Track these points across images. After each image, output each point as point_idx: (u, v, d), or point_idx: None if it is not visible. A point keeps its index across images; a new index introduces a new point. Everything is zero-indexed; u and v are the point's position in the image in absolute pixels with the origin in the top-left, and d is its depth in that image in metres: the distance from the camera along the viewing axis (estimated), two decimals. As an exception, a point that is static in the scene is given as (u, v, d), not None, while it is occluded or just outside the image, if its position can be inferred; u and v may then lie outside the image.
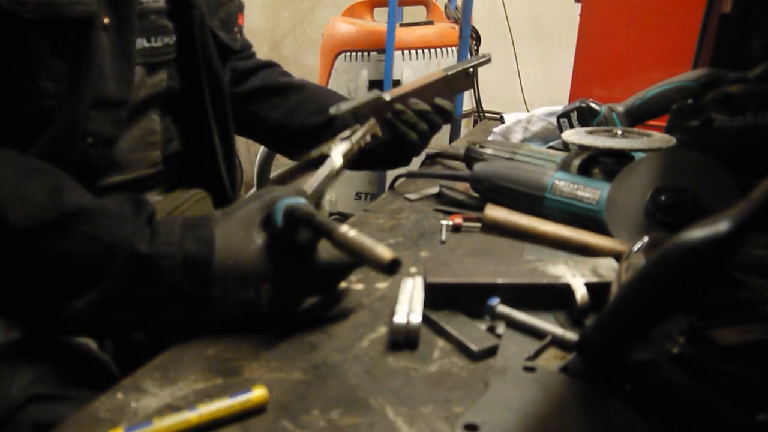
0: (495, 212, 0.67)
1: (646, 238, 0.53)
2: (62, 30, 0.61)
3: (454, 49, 2.12)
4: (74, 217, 0.51)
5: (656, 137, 0.78)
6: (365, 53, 2.03)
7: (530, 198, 0.75)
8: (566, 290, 0.55)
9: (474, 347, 0.50)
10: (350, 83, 2.07)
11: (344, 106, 0.83)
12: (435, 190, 0.88)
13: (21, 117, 0.62)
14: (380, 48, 1.99)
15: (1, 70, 0.60)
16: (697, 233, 0.35)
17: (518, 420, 0.41)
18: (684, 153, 0.70)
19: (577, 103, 1.01)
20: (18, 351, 0.58)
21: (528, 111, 1.25)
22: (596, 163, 0.80)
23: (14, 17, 0.58)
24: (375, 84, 2.02)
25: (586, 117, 1.00)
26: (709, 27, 1.00)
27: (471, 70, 1.03)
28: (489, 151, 0.91)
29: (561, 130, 1.02)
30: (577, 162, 0.80)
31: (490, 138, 1.13)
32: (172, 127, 0.82)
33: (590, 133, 0.81)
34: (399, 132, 0.89)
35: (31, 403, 0.54)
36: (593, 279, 0.56)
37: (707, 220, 0.35)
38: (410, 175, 0.95)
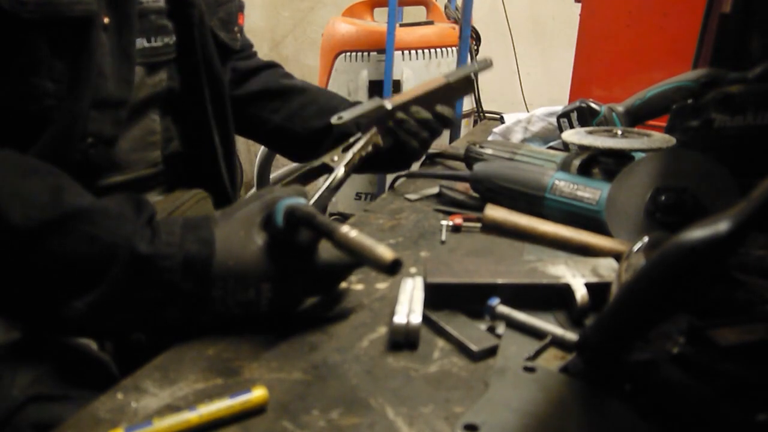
0: (495, 212, 0.67)
1: (646, 238, 0.53)
2: (62, 30, 0.61)
3: (454, 49, 2.12)
4: (74, 217, 0.51)
5: (656, 137, 0.78)
6: (365, 53, 2.03)
7: (530, 198, 0.75)
8: (566, 290, 0.55)
9: (474, 347, 0.50)
10: (350, 83, 2.06)
11: (346, 116, 0.84)
12: (435, 190, 0.88)
13: (21, 117, 0.62)
14: (380, 48, 1.99)
15: (1, 70, 0.60)
16: (697, 233, 0.35)
17: (518, 420, 0.41)
18: (684, 153, 0.70)
19: (577, 103, 1.01)
20: (18, 351, 0.58)
21: (528, 111, 1.25)
22: (596, 163, 0.80)
23: (14, 17, 0.58)
24: (375, 84, 2.02)
25: (586, 117, 1.00)
26: (709, 27, 1.00)
27: (472, 75, 1.03)
28: (489, 151, 0.91)
29: (561, 130, 1.02)
30: (577, 162, 0.80)
31: (490, 138, 1.13)
32: (172, 127, 0.82)
33: (590, 133, 0.81)
34: (400, 140, 0.89)
35: (31, 403, 0.54)
36: (593, 279, 0.56)
37: (707, 220, 0.35)
38: (410, 175, 0.95)
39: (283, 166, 2.17)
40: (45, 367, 0.57)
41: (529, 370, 0.46)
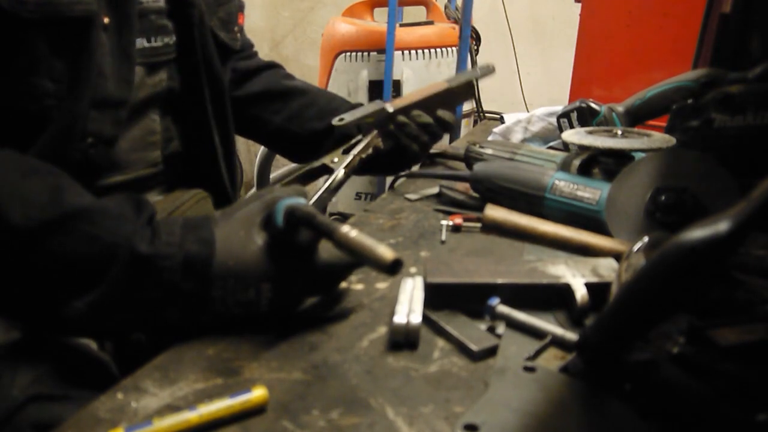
0: (495, 212, 0.67)
1: (646, 238, 0.53)
2: (62, 29, 0.61)
3: (454, 49, 2.12)
4: (74, 217, 0.51)
5: (656, 137, 0.78)
6: (365, 53, 2.03)
7: (530, 198, 0.75)
8: (566, 290, 0.55)
9: (474, 347, 0.50)
10: (350, 83, 2.06)
11: (348, 118, 0.84)
12: (435, 190, 0.88)
13: (21, 116, 0.62)
14: (380, 48, 1.99)
15: (1, 70, 0.60)
16: (697, 233, 0.35)
17: (518, 420, 0.41)
18: (684, 153, 0.70)
19: (577, 103, 1.01)
20: (18, 351, 0.58)
21: (528, 111, 1.25)
22: (596, 163, 0.80)
23: (14, 17, 0.58)
24: (375, 84, 2.02)
25: (586, 117, 1.00)
26: (709, 27, 1.00)
27: (474, 81, 1.04)
28: (489, 151, 0.91)
29: (561, 130, 1.02)
30: (577, 162, 0.80)
31: (490, 138, 1.13)
32: (172, 127, 0.82)
33: (590, 133, 0.81)
34: (400, 143, 0.90)
35: (31, 403, 0.54)
36: (593, 279, 0.56)
37: (707, 220, 0.35)
38: (410, 175, 0.95)
39: (283, 166, 2.17)
40: (45, 367, 0.57)
41: (529, 370, 0.46)
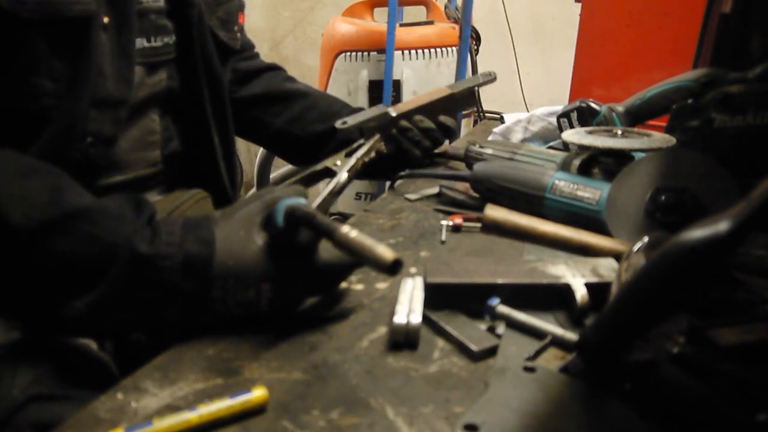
0: (495, 212, 0.67)
1: (646, 238, 0.53)
2: (61, 29, 0.61)
3: (454, 49, 2.12)
4: (74, 217, 0.51)
5: (656, 137, 0.78)
6: (365, 53, 2.03)
7: (530, 198, 0.75)
8: (566, 290, 0.55)
9: (474, 347, 0.50)
10: (350, 83, 2.06)
11: (351, 121, 0.84)
12: (435, 190, 0.88)
13: (20, 116, 0.62)
14: (380, 48, 1.98)
15: (1, 70, 0.60)
16: (697, 233, 0.35)
17: (518, 420, 0.41)
18: (684, 153, 0.70)
19: (577, 103, 1.01)
20: (18, 351, 0.58)
21: (528, 111, 1.25)
22: (596, 163, 0.80)
23: (14, 16, 0.58)
24: (375, 84, 2.02)
25: (586, 117, 1.00)
26: (709, 27, 1.00)
27: (476, 88, 1.05)
28: (489, 151, 0.91)
29: (561, 130, 1.01)
30: (577, 162, 0.80)
31: (490, 138, 1.13)
32: (172, 127, 0.82)
33: (590, 133, 0.81)
34: (402, 147, 0.90)
35: (31, 403, 0.54)
36: (593, 279, 0.56)
37: (707, 220, 0.35)
38: (410, 175, 0.95)
39: (283, 167, 2.17)
40: (45, 367, 0.57)
41: (529, 370, 0.46)
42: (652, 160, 0.68)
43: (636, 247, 0.52)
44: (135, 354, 0.60)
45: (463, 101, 1.04)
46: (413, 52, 2.04)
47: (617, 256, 0.61)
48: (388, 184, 1.01)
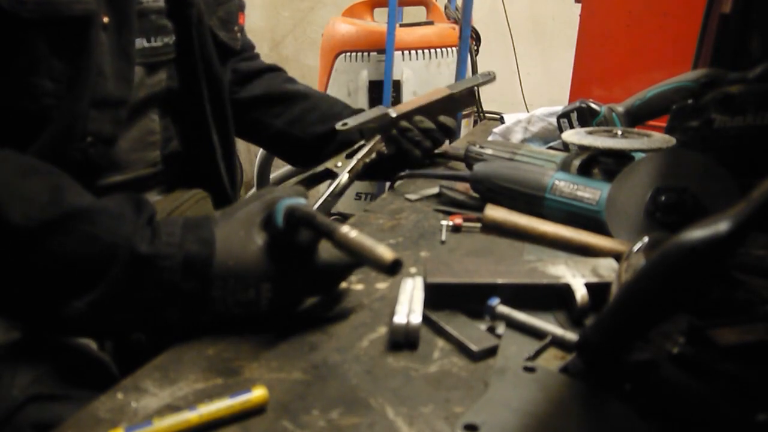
0: (495, 212, 0.67)
1: (646, 238, 0.53)
2: (61, 29, 0.61)
3: (454, 49, 2.12)
4: (74, 217, 0.51)
5: (656, 137, 0.78)
6: (365, 53, 2.03)
7: (530, 198, 0.75)
8: (566, 290, 0.55)
9: (474, 347, 0.50)
10: (350, 83, 2.06)
11: (351, 122, 0.85)
12: (435, 190, 0.88)
13: (20, 116, 0.62)
14: (380, 48, 1.98)
15: (1, 70, 0.60)
16: (697, 233, 0.35)
17: (518, 420, 0.41)
18: (684, 153, 0.70)
19: (577, 103, 1.01)
20: (18, 351, 0.58)
21: (528, 111, 1.25)
22: (596, 164, 0.80)
23: (13, 16, 0.58)
24: (375, 84, 2.02)
25: (586, 117, 1.00)
26: (709, 27, 1.00)
27: (475, 88, 1.05)
28: (489, 151, 0.91)
29: (561, 130, 1.01)
30: (577, 162, 0.80)
31: (490, 138, 1.13)
32: (172, 127, 0.82)
33: (590, 133, 0.81)
34: (403, 148, 0.90)
35: (31, 403, 0.54)
36: (593, 279, 0.56)
37: (707, 220, 0.35)
38: (410, 176, 0.95)
39: (283, 167, 2.17)
40: (45, 367, 0.57)
41: (529, 370, 0.46)
42: (652, 160, 0.68)
43: (636, 247, 0.52)
44: (135, 354, 0.60)
45: (462, 101, 1.04)
46: (413, 52, 2.04)
47: (617, 256, 0.61)
48: (388, 184, 1.01)
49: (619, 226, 0.66)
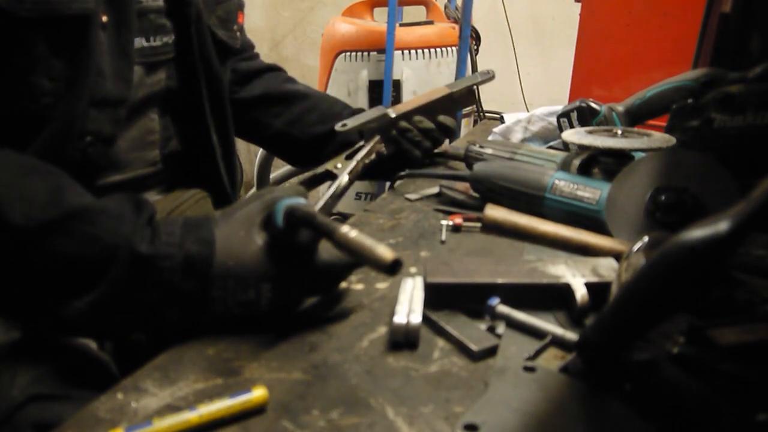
0: (495, 212, 0.67)
1: (646, 238, 0.53)
2: (60, 28, 0.61)
3: (454, 49, 2.12)
4: (74, 217, 0.51)
5: (656, 137, 0.78)
6: (365, 53, 2.03)
7: (530, 198, 0.75)
8: (566, 290, 0.55)
9: (474, 347, 0.50)
10: (350, 83, 2.06)
11: (350, 123, 0.85)
12: (435, 190, 0.88)
13: (19, 115, 0.62)
14: (380, 48, 1.98)
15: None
16: (697, 233, 0.35)
17: (518, 420, 0.41)
18: (684, 153, 0.70)
19: (577, 103, 1.01)
20: (18, 351, 0.58)
21: (528, 111, 1.25)
22: (596, 163, 0.80)
23: (12, 15, 0.58)
24: (375, 84, 2.02)
25: (586, 117, 1.00)
26: (709, 27, 1.00)
27: (475, 87, 1.05)
28: (489, 151, 0.91)
29: (561, 130, 1.01)
30: (577, 162, 0.80)
31: (490, 138, 1.13)
32: (171, 127, 0.82)
33: (590, 133, 0.81)
34: (402, 148, 0.90)
35: (31, 403, 0.54)
36: (593, 279, 0.56)
37: (707, 220, 0.35)
38: (410, 175, 0.95)
39: (283, 167, 2.17)
40: (45, 367, 0.57)
41: (529, 370, 0.46)
42: (652, 160, 0.68)
43: (636, 247, 0.52)
44: (135, 354, 0.60)
45: (462, 100, 1.04)
46: (413, 52, 2.04)
47: (617, 256, 0.61)
48: (388, 184, 1.01)
49: (619, 226, 0.66)
